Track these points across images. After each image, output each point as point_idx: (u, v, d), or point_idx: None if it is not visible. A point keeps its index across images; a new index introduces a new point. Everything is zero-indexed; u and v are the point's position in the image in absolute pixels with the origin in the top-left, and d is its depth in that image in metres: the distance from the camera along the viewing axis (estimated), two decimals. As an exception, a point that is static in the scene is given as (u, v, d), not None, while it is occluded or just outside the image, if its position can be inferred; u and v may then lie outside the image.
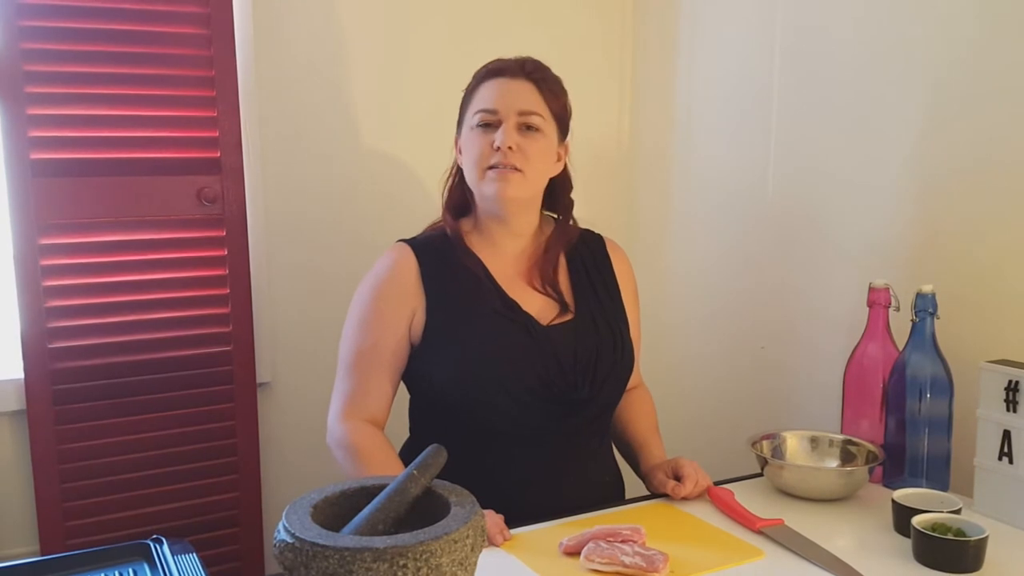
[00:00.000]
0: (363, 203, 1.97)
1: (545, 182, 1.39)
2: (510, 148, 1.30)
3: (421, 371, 1.37)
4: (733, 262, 1.94)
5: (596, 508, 1.33)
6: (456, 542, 0.88)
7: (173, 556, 1.00)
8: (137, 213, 1.70)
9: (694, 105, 2.02)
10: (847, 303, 1.62)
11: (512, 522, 1.25)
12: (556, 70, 1.41)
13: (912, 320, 1.38)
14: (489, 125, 1.33)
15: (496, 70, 1.36)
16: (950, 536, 1.12)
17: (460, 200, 1.44)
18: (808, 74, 1.74)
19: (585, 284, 1.43)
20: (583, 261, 1.46)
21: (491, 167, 1.32)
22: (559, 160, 1.41)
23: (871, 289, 1.45)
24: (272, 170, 1.87)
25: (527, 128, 1.33)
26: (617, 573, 1.09)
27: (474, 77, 1.40)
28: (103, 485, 1.73)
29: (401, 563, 0.85)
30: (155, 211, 1.71)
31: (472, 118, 1.36)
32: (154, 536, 1.04)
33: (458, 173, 1.43)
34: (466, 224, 1.43)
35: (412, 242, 1.42)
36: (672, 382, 2.05)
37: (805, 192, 1.76)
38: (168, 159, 1.71)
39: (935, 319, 1.36)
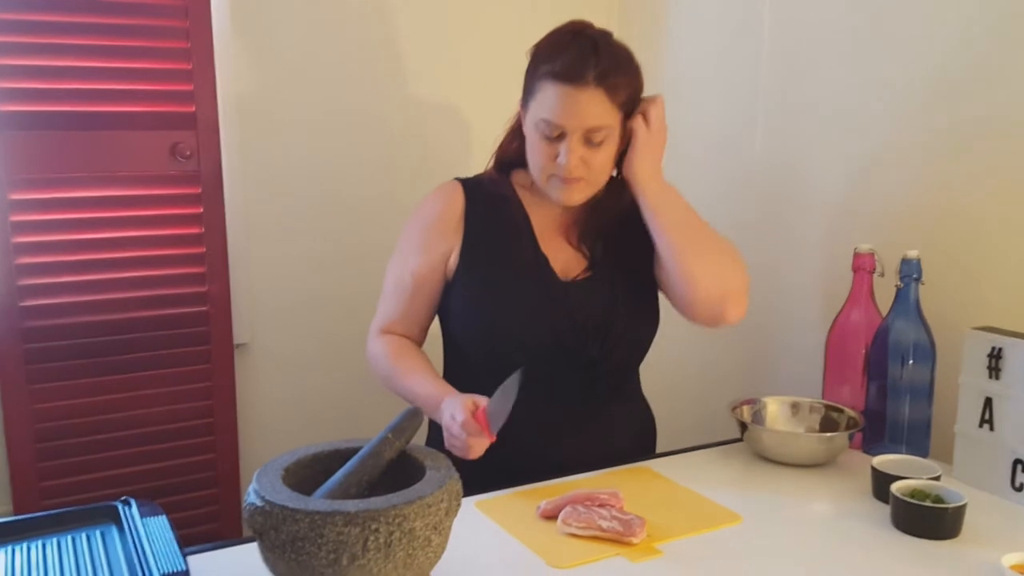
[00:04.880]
0: (346, 160, 1.93)
1: (609, 175, 1.35)
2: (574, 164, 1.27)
3: (448, 309, 1.39)
4: (717, 224, 1.91)
5: (578, 470, 1.32)
6: (430, 506, 0.87)
7: (142, 518, 0.98)
8: (110, 169, 1.66)
9: (681, 62, 1.98)
10: (832, 268, 1.61)
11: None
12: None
13: (896, 286, 1.36)
14: (552, 136, 1.27)
15: (564, 74, 1.23)
16: (928, 503, 1.12)
17: (517, 157, 1.38)
18: (798, 36, 1.70)
19: (612, 236, 1.38)
20: (620, 210, 1.39)
21: (554, 175, 1.29)
22: (624, 131, 1.32)
23: (856, 254, 1.43)
24: (250, 125, 1.82)
25: (592, 142, 1.27)
26: (594, 537, 1.09)
27: (538, 58, 1.28)
28: (78, 445, 1.71)
29: (373, 527, 0.83)
30: (128, 167, 1.67)
31: (535, 120, 1.27)
32: (123, 498, 1.02)
33: (518, 135, 1.36)
34: (523, 177, 1.39)
35: (465, 181, 1.41)
36: (653, 345, 2.04)
37: (791, 154, 1.73)
38: (141, 113, 1.66)
39: (920, 285, 1.35)
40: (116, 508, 1.00)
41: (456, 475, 0.94)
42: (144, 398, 1.76)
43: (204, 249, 1.75)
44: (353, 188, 1.94)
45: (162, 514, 0.99)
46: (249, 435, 1.91)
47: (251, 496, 0.88)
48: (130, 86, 1.65)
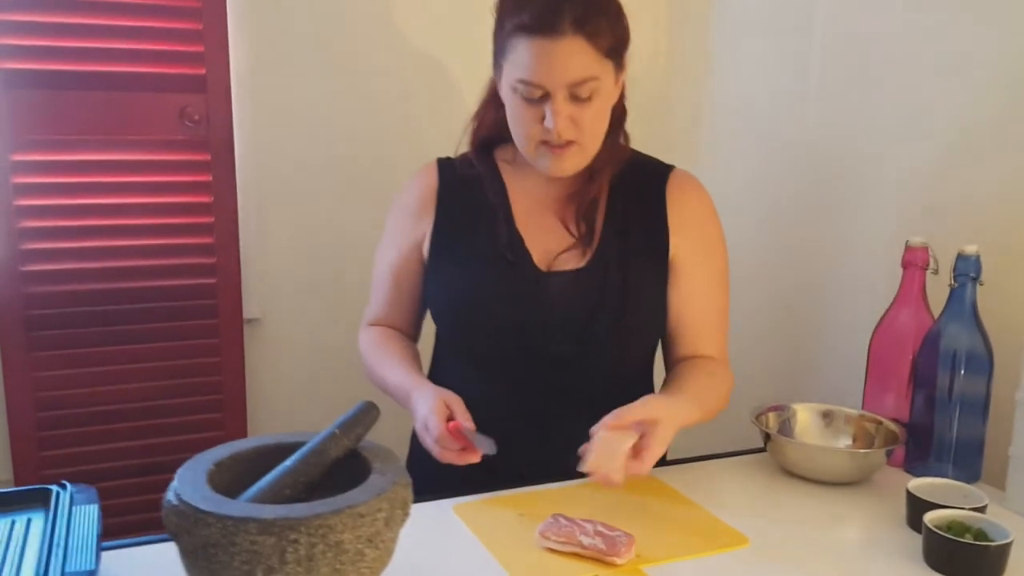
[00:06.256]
0: (361, 127, 1.83)
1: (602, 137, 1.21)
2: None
3: (424, 292, 1.31)
4: (762, 211, 1.76)
5: (576, 476, 1.18)
6: (363, 516, 0.76)
7: (73, 505, 0.90)
8: (116, 131, 1.60)
9: (731, 35, 1.82)
10: (881, 262, 1.44)
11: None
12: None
13: (951, 285, 1.20)
14: (534, 98, 1.13)
15: (535, 25, 1.09)
16: (968, 538, 0.96)
17: (497, 130, 1.25)
18: (855, 11, 1.53)
19: (619, 224, 1.24)
20: (626, 197, 1.26)
21: (543, 142, 1.16)
22: (616, 86, 1.19)
23: (907, 248, 1.27)
24: (262, 89, 1.74)
25: (580, 97, 1.12)
26: (574, 554, 0.97)
27: (505, 12, 1.14)
28: (81, 416, 1.67)
29: (291, 538, 0.73)
30: (135, 130, 1.61)
31: (511, 82, 1.13)
32: (61, 481, 0.95)
33: (495, 102, 1.23)
34: (506, 152, 1.27)
35: (443, 162, 1.32)
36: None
37: (845, 136, 1.56)
38: (149, 74, 1.60)
39: (977, 285, 1.18)
40: (50, 492, 0.93)
41: (405, 480, 0.83)
42: (149, 371, 1.71)
43: (213, 219, 1.68)
44: (373, 159, 1.85)
45: (96, 502, 0.92)
46: (258, 413, 1.84)
47: (169, 492, 0.79)
48: (138, 45, 1.59)
